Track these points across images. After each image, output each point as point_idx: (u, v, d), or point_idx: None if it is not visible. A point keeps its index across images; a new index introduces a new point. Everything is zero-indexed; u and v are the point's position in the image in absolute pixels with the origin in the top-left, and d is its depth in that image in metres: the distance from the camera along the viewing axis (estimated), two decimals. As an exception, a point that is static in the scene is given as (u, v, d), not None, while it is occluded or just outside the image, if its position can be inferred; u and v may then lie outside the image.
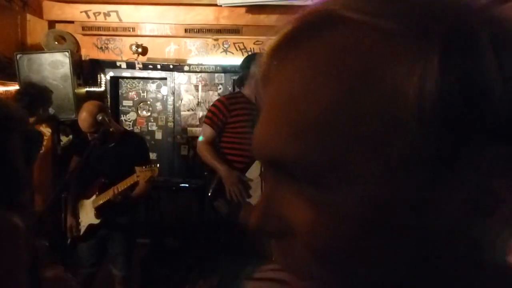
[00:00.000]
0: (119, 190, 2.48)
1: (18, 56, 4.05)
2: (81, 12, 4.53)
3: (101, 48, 4.76)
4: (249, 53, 4.63)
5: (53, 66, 4.13)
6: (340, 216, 0.29)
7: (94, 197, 2.61)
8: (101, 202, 2.56)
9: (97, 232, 2.66)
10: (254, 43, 4.64)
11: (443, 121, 0.26)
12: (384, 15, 0.28)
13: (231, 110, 2.58)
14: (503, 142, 0.26)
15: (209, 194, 2.68)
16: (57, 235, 2.67)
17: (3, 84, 4.09)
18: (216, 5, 4.11)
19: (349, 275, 0.31)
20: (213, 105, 2.69)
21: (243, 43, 4.65)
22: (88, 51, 4.73)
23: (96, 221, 2.60)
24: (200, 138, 2.69)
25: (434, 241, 0.29)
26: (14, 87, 4.14)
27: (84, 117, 2.50)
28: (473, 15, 0.28)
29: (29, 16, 4.50)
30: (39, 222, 2.35)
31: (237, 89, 2.76)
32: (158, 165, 2.60)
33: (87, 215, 2.63)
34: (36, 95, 3.19)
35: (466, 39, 0.26)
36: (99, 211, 2.58)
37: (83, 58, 4.65)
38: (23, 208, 1.05)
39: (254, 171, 2.51)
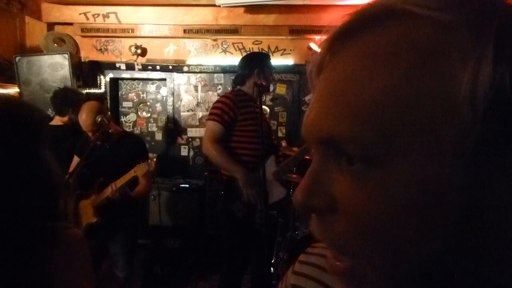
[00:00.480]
0: (117, 186, 2.48)
1: (17, 58, 4.06)
2: (80, 14, 4.53)
3: (101, 49, 4.77)
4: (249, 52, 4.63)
5: (53, 68, 4.14)
6: (389, 193, 0.30)
7: (93, 197, 2.62)
8: (99, 200, 2.57)
9: (96, 232, 2.66)
10: (253, 43, 4.64)
11: (494, 108, 0.28)
12: (442, 8, 0.30)
13: (240, 107, 2.48)
14: None
15: (222, 197, 2.56)
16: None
17: (3, 87, 4.10)
18: (214, 5, 4.11)
19: (392, 251, 0.31)
20: (220, 101, 2.54)
21: (242, 43, 4.65)
22: (88, 53, 4.74)
23: (93, 220, 2.60)
24: (207, 137, 2.51)
25: (479, 221, 0.30)
26: (13, 90, 4.14)
27: (84, 118, 2.53)
28: None
29: (28, 19, 4.51)
30: None
31: (237, 87, 2.70)
32: (155, 159, 2.59)
33: (86, 215, 2.64)
34: (65, 97, 3.20)
35: None
36: (98, 210, 2.58)
37: (82, 60, 4.65)
38: (64, 215, 1.01)
39: (268, 172, 2.42)
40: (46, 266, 0.84)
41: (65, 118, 3.20)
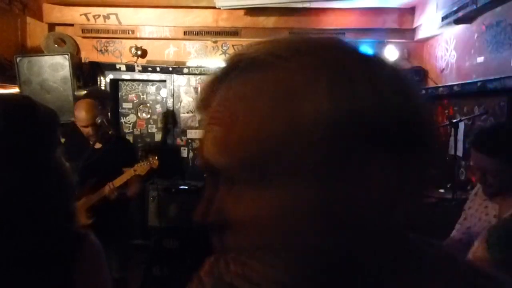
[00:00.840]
0: (115, 185, 2.49)
1: (18, 58, 4.07)
2: (80, 15, 4.55)
3: (101, 50, 4.79)
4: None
5: (53, 69, 4.15)
6: (264, 208, 0.38)
7: (84, 198, 2.57)
8: (93, 201, 2.55)
9: None
10: (253, 45, 4.66)
11: (336, 133, 0.37)
12: (289, 58, 0.39)
13: None
14: (382, 149, 0.37)
15: None
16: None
17: (3, 87, 4.11)
18: (214, 7, 4.14)
19: (284, 255, 0.39)
20: None
21: (242, 45, 4.66)
22: (88, 54, 4.75)
23: (87, 221, 2.58)
24: None
25: (347, 229, 0.39)
26: (14, 90, 4.16)
27: (84, 115, 2.53)
28: (349, 54, 0.40)
29: (29, 19, 4.53)
30: None
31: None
32: (156, 157, 2.62)
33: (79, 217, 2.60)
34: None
35: (347, 72, 0.38)
36: (91, 211, 2.56)
37: (83, 61, 4.67)
38: (76, 217, 0.98)
39: None
40: (70, 275, 0.82)
41: None
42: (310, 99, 0.37)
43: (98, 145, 2.63)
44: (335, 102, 0.37)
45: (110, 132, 2.50)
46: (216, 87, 0.42)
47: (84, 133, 2.62)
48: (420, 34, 4.22)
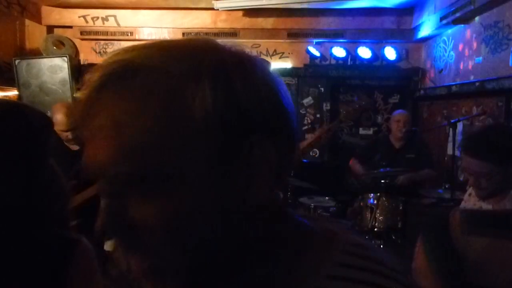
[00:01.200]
0: None
1: (17, 61, 4.08)
2: (79, 17, 4.56)
3: (100, 52, 4.79)
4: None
5: (52, 71, 4.16)
6: (176, 207, 0.40)
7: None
8: (78, 202, 2.53)
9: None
10: (251, 46, 4.66)
11: (221, 126, 0.39)
12: (169, 63, 0.40)
13: None
14: (261, 137, 0.41)
15: None
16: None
17: (2, 89, 4.12)
18: (213, 9, 4.14)
19: (174, 250, 0.41)
20: None
21: (240, 46, 4.67)
22: (87, 56, 4.76)
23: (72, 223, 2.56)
24: None
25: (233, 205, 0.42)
26: (12, 92, 4.16)
27: (62, 118, 2.46)
28: (228, 58, 0.42)
29: (27, 21, 4.53)
30: None
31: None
32: None
33: None
34: None
35: (225, 72, 0.41)
36: (77, 212, 2.53)
37: (81, 63, 4.68)
38: (69, 222, 0.97)
39: None
40: (61, 280, 0.82)
41: None
42: (193, 100, 0.39)
43: (75, 147, 2.55)
44: (219, 99, 0.39)
45: None
46: (95, 96, 0.41)
47: (62, 137, 2.53)
48: (419, 35, 4.22)
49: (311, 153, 4.62)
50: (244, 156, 0.41)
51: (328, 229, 0.48)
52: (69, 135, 2.48)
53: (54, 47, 4.44)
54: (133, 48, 0.42)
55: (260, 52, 4.66)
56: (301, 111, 4.60)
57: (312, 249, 0.45)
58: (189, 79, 0.40)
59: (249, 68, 0.43)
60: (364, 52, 4.42)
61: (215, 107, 0.39)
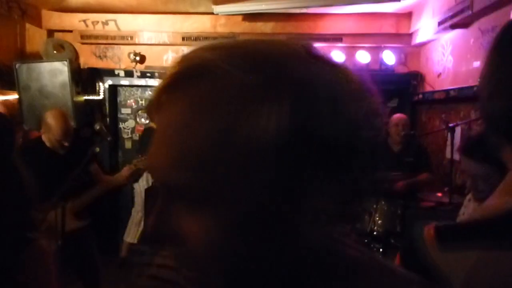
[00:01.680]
0: (126, 174, 2.60)
1: (17, 65, 4.09)
2: (79, 21, 4.58)
3: (100, 56, 4.81)
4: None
5: (52, 75, 4.17)
6: (222, 226, 0.37)
7: (70, 203, 2.51)
8: (85, 203, 2.56)
9: (78, 237, 2.60)
10: (251, 51, 4.68)
11: (290, 154, 0.34)
12: (246, 70, 0.36)
13: None
14: (326, 167, 0.36)
15: None
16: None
17: (2, 93, 4.13)
18: (212, 13, 4.16)
19: (229, 268, 0.39)
20: None
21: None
22: (87, 60, 4.77)
23: (80, 224, 2.56)
24: None
25: (286, 239, 0.38)
26: (13, 96, 4.17)
27: (67, 123, 2.49)
28: (314, 76, 0.36)
29: (28, 25, 4.55)
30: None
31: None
32: None
33: (70, 221, 2.51)
34: None
35: (310, 93, 0.35)
36: (82, 212, 2.57)
37: (81, 67, 4.69)
38: (37, 224, 0.97)
39: None
40: (13, 278, 0.81)
41: None
42: (268, 118, 0.34)
43: (61, 150, 2.55)
44: (298, 123, 0.34)
45: (109, 139, 2.52)
46: (167, 94, 0.38)
47: (54, 143, 2.51)
48: (417, 39, 4.24)
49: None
50: (302, 194, 0.36)
51: (380, 263, 0.46)
52: (64, 142, 2.46)
53: (55, 51, 4.45)
54: (212, 47, 0.39)
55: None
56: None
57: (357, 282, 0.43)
58: (267, 92, 0.34)
59: (343, 86, 0.37)
60: (363, 57, 4.45)
61: (291, 131, 0.34)
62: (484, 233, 0.60)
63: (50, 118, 2.48)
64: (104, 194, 2.63)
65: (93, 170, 2.65)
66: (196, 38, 4.52)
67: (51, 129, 2.46)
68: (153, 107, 0.40)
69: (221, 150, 0.35)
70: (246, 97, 0.35)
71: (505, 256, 0.55)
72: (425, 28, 4.02)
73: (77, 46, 4.64)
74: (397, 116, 3.60)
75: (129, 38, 4.59)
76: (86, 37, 4.62)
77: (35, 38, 4.63)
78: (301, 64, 0.37)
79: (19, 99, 4.13)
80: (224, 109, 0.35)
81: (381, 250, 3.13)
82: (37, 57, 4.43)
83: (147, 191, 4.19)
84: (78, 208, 2.56)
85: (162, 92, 0.39)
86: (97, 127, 2.53)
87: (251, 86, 0.35)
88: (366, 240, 3.15)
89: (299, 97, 0.34)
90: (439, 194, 3.13)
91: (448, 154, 3.56)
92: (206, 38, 4.51)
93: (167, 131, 0.38)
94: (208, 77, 0.36)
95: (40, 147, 2.52)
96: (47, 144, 2.51)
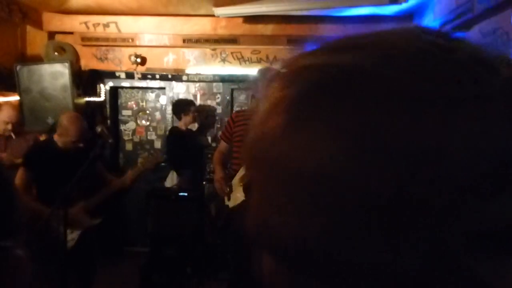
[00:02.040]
0: (126, 184, 2.65)
1: (18, 67, 4.09)
2: (80, 23, 4.59)
3: (101, 58, 4.81)
4: (247, 62, 4.69)
5: (53, 77, 4.17)
6: None
7: (82, 203, 2.59)
8: (95, 203, 2.63)
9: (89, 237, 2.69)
10: (251, 53, 4.69)
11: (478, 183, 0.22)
12: (414, 75, 0.24)
13: (235, 122, 2.94)
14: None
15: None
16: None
17: (3, 95, 4.13)
18: (213, 15, 4.17)
19: None
20: (226, 122, 3.16)
21: (240, 52, 4.70)
22: (88, 62, 4.78)
23: (94, 222, 2.65)
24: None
25: None
26: (13, 98, 4.18)
27: (77, 127, 2.53)
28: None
29: (29, 28, 4.55)
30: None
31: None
32: (159, 152, 2.80)
33: (77, 223, 2.57)
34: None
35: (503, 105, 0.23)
36: (94, 212, 2.65)
37: (82, 69, 4.69)
38: (20, 230, 0.96)
39: (239, 174, 2.75)
40: None
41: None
42: (455, 146, 0.22)
43: (72, 151, 2.59)
44: (493, 143, 0.22)
45: (110, 141, 2.53)
46: (286, 118, 0.26)
47: (68, 146, 2.57)
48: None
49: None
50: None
51: None
52: (75, 143, 2.54)
53: (56, 53, 4.45)
54: (340, 47, 0.28)
55: (260, 59, 4.68)
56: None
57: None
58: (451, 108, 0.23)
59: None
60: (364, 59, 4.45)
61: (481, 163, 0.22)
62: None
63: (66, 121, 2.53)
64: (113, 195, 2.70)
65: (98, 169, 2.72)
66: (197, 40, 4.52)
67: (68, 132, 2.52)
68: (258, 140, 0.28)
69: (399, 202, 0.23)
70: (423, 113, 0.23)
71: None
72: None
73: (78, 48, 4.65)
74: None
75: (130, 40, 4.60)
76: (87, 39, 4.62)
77: (36, 41, 4.63)
78: (484, 68, 0.24)
79: (20, 102, 4.14)
80: (389, 133, 0.23)
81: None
82: (38, 60, 4.44)
83: (149, 192, 4.20)
84: (91, 207, 2.63)
85: (280, 116, 0.26)
86: (99, 129, 2.56)
87: (427, 99, 0.23)
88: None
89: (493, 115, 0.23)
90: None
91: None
92: (206, 40, 4.52)
93: (297, 176, 0.25)
94: (364, 90, 0.24)
95: (52, 147, 2.58)
96: (59, 144, 2.57)
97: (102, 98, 4.72)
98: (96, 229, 2.73)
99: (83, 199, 2.60)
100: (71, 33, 4.66)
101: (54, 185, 2.34)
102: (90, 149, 2.47)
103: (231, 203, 2.73)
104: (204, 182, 4.47)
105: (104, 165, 2.88)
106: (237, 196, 2.66)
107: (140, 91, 4.93)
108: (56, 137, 2.61)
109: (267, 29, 4.51)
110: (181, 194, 4.17)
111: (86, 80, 4.62)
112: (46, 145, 2.67)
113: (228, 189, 2.78)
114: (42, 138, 3.87)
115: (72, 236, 2.61)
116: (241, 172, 2.65)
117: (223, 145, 3.04)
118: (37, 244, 2.44)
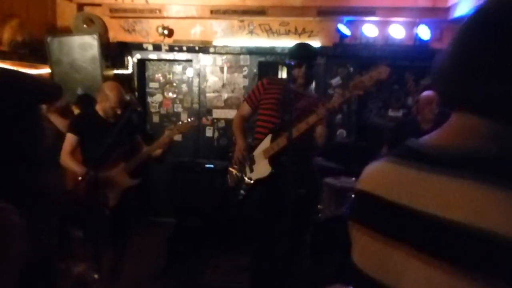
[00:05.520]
0: (163, 146, 2.80)
1: (49, 39, 4.14)
2: (108, -6, 4.58)
3: (128, 30, 4.82)
4: (275, 34, 4.59)
5: (82, 49, 4.21)
6: None
7: (122, 164, 2.77)
8: (134, 164, 2.79)
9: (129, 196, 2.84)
10: (279, 25, 4.59)
11: None
12: None
13: (267, 89, 2.75)
14: None
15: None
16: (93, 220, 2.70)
17: (35, 67, 4.21)
18: (241, -14, 4.08)
19: None
20: (256, 84, 2.90)
21: (268, 24, 4.60)
22: (116, 34, 4.79)
23: (134, 182, 2.81)
24: (237, 111, 3.03)
25: None
26: (45, 70, 4.25)
27: (115, 95, 2.69)
28: None
29: (58, 0, 4.58)
30: (67, 210, 2.47)
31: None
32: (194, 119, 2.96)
33: (122, 181, 2.77)
34: None
35: None
36: (133, 174, 2.80)
37: (110, 41, 4.72)
38: (38, 194, 0.98)
39: (259, 149, 2.65)
40: None
41: None
42: None
43: (112, 119, 2.77)
44: None
45: (139, 109, 2.56)
46: None
47: (109, 112, 2.74)
48: (455, 13, 4.04)
49: (337, 134, 4.56)
50: None
51: None
52: (117, 111, 2.72)
53: (84, 25, 4.48)
54: None
55: (289, 31, 4.57)
56: (328, 91, 4.52)
57: None
58: None
59: None
60: (397, 31, 4.28)
61: None
62: None
63: (108, 89, 2.75)
64: (150, 158, 2.83)
65: (134, 139, 2.90)
66: (225, 12, 4.45)
67: (108, 98, 2.71)
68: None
69: None
70: None
71: None
72: (463, 2, 3.81)
73: (106, 20, 4.66)
74: (430, 93, 3.46)
75: (157, 12, 4.56)
76: (115, 11, 4.62)
77: (65, 13, 4.67)
78: None
79: (51, 73, 4.21)
80: None
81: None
82: (68, 32, 4.48)
83: (175, 164, 4.25)
84: (130, 169, 2.79)
85: None
86: (128, 98, 2.59)
87: None
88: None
89: None
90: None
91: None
92: (234, 11, 4.43)
93: None
94: None
95: (94, 116, 2.78)
96: (101, 113, 2.77)
97: (129, 71, 4.75)
98: (135, 190, 2.86)
99: (123, 161, 2.77)
100: (100, 5, 4.66)
101: (93, 149, 2.49)
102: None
103: (254, 175, 2.68)
104: (229, 153, 4.49)
105: (139, 133, 2.98)
106: (263, 168, 2.62)
107: (167, 63, 4.93)
108: (97, 107, 2.80)
109: (297, 0, 4.39)
110: (207, 166, 4.20)
111: (114, 52, 4.65)
112: (89, 114, 2.84)
113: (250, 161, 2.68)
114: (74, 108, 3.95)
115: (113, 195, 2.76)
116: (265, 143, 2.59)
117: (246, 108, 2.84)
118: (78, 207, 2.59)
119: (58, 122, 3.59)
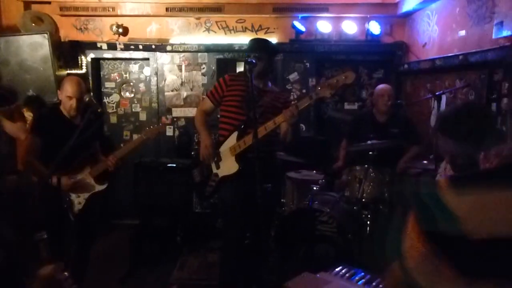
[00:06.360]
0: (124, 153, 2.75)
1: (-5, 38, 3.94)
2: (58, -8, 4.41)
3: (81, 29, 4.66)
4: (232, 32, 4.62)
5: (32, 48, 4.04)
6: None
7: (89, 169, 2.70)
8: (99, 170, 2.72)
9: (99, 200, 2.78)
10: (236, 21, 4.62)
11: None
12: None
13: (229, 86, 2.75)
14: None
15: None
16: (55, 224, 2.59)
17: (-19, 68, 3.99)
18: (197, -17, 4.06)
19: None
20: (217, 80, 2.88)
21: (225, 21, 4.62)
22: (67, 32, 4.63)
23: (101, 187, 2.74)
24: (198, 107, 3.01)
25: None
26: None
27: (75, 87, 2.60)
28: None
29: (3, -3, 4.37)
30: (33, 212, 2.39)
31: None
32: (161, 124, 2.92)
33: (84, 188, 2.69)
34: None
35: None
36: (100, 178, 2.74)
37: (62, 40, 4.55)
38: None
39: (225, 146, 2.66)
40: None
41: None
42: None
43: (77, 120, 2.67)
44: None
45: (99, 110, 2.51)
46: None
47: (66, 106, 2.64)
48: (403, 9, 4.25)
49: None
50: None
51: None
52: (73, 103, 2.61)
53: (33, 24, 4.29)
54: None
55: (246, 28, 4.61)
56: (287, 86, 4.61)
57: None
58: None
59: None
60: (349, 27, 4.44)
61: None
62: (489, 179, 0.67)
63: (65, 81, 2.68)
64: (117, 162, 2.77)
65: (94, 147, 2.81)
66: (181, 9, 4.41)
67: (64, 89, 2.62)
68: None
69: None
70: None
71: None
72: (411, -3, 4.02)
73: (56, 18, 4.49)
74: (382, 86, 3.63)
75: (111, 10, 4.45)
76: (65, 9, 4.45)
77: (11, 11, 4.44)
78: None
79: (-1, 74, 4.01)
80: None
81: (369, 216, 3.23)
82: (14, 30, 4.27)
83: (137, 164, 4.18)
84: (97, 173, 2.72)
85: None
86: (86, 98, 2.51)
87: None
88: (355, 207, 3.24)
89: None
90: (425, 162, 3.21)
91: (433, 123, 3.64)
92: (190, 9, 4.41)
93: None
94: None
95: (58, 116, 2.67)
96: (64, 112, 2.67)
97: (84, 70, 4.61)
98: (103, 194, 2.79)
99: (89, 165, 2.70)
100: (49, 2, 4.48)
101: (59, 151, 2.39)
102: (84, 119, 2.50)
103: (221, 172, 2.70)
104: (192, 153, 4.48)
105: (100, 137, 2.93)
106: (230, 165, 2.64)
107: (123, 62, 4.83)
108: (61, 107, 2.69)
109: (252, -3, 4.44)
110: (169, 165, 4.17)
111: (66, 52, 4.49)
112: (52, 113, 2.73)
113: (216, 157, 2.68)
114: (25, 111, 3.79)
115: (79, 200, 2.68)
116: (231, 140, 2.61)
117: (208, 104, 2.81)
118: (44, 210, 2.51)
119: (8, 125, 3.44)
